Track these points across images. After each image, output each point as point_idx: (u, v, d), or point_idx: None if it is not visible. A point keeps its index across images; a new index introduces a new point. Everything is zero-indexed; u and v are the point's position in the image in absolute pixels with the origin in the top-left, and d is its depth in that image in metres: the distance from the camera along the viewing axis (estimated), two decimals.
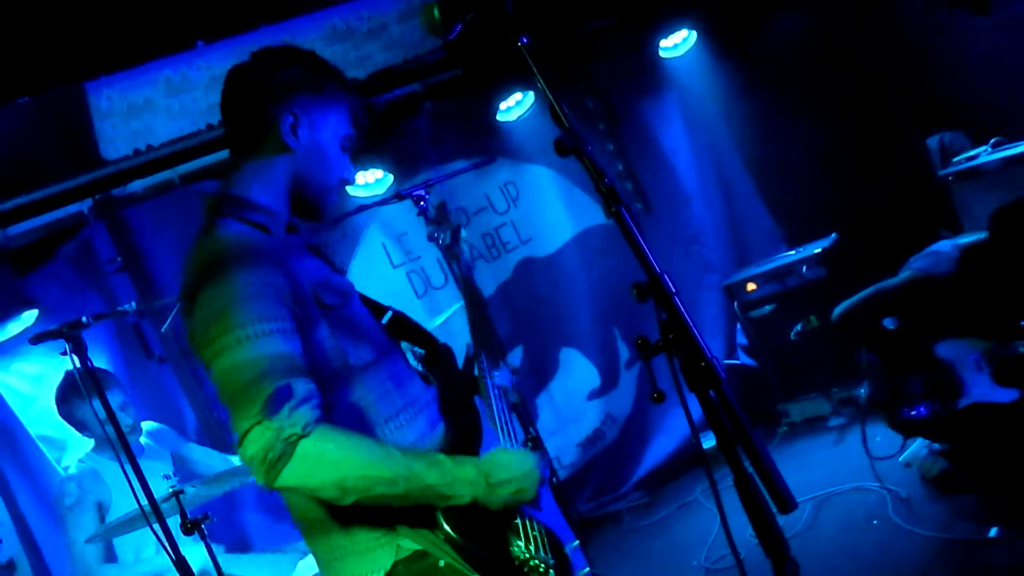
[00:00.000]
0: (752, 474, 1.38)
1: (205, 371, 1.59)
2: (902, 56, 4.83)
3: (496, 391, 2.10)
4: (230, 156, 1.84)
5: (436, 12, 1.54)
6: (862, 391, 4.60)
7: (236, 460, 3.72)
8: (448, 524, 1.61)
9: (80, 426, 3.46)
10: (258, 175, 1.78)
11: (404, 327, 2.05)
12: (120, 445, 2.55)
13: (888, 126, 4.93)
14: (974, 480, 3.53)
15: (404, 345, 2.02)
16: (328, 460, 1.50)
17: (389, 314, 2.03)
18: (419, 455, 1.64)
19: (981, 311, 3.42)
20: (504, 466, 1.70)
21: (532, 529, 1.77)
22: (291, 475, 1.49)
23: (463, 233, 2.72)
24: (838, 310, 3.60)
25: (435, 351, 2.04)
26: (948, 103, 4.70)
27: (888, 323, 3.67)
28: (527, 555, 1.69)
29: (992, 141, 4.28)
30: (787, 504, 1.34)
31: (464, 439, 1.82)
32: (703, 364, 1.36)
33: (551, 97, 1.46)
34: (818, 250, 4.84)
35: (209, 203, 1.75)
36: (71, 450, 3.96)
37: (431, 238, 2.75)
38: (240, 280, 1.55)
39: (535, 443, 2.11)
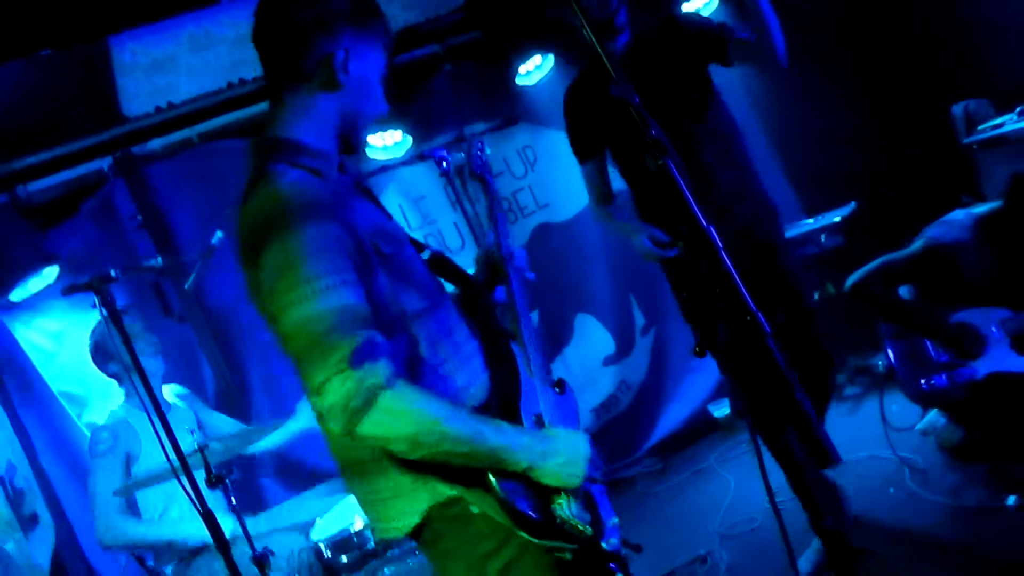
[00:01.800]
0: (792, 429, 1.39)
1: (270, 324, 1.62)
2: (927, 22, 4.75)
3: (528, 333, 2.10)
4: (271, 95, 1.78)
5: None
6: (879, 361, 4.62)
7: (250, 427, 3.76)
8: (498, 485, 1.65)
9: (110, 360, 3.48)
10: (306, 114, 1.74)
11: (442, 266, 2.06)
12: (142, 380, 2.59)
13: (911, 93, 4.86)
14: (993, 450, 3.53)
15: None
16: (405, 414, 1.54)
17: (427, 252, 2.02)
18: (484, 418, 1.68)
19: (999, 280, 3.41)
20: (557, 439, 1.75)
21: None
22: (370, 425, 1.52)
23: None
24: (851, 279, 3.60)
25: (472, 292, 2.05)
26: (974, 69, 4.63)
27: (904, 292, 3.66)
28: (568, 513, 1.72)
29: (1018, 109, 4.23)
30: (829, 458, 1.34)
31: (506, 388, 1.84)
32: (749, 318, 1.36)
33: (599, 48, 1.45)
34: (837, 219, 4.83)
35: (258, 147, 1.72)
36: (92, 407, 4.00)
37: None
38: (304, 234, 1.56)
39: (560, 386, 2.11)
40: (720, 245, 1.38)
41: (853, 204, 4.94)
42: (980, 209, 3.48)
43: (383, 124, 4.48)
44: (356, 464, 1.76)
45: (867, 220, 4.84)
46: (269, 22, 1.73)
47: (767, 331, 1.34)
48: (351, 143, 1.82)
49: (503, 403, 1.80)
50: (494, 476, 1.64)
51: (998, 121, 4.30)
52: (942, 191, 4.50)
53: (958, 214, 3.51)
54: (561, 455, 1.72)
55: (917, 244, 3.51)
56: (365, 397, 1.50)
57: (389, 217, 1.88)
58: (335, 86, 1.72)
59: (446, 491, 1.69)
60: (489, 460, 1.63)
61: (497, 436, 1.64)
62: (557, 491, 1.74)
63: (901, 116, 4.90)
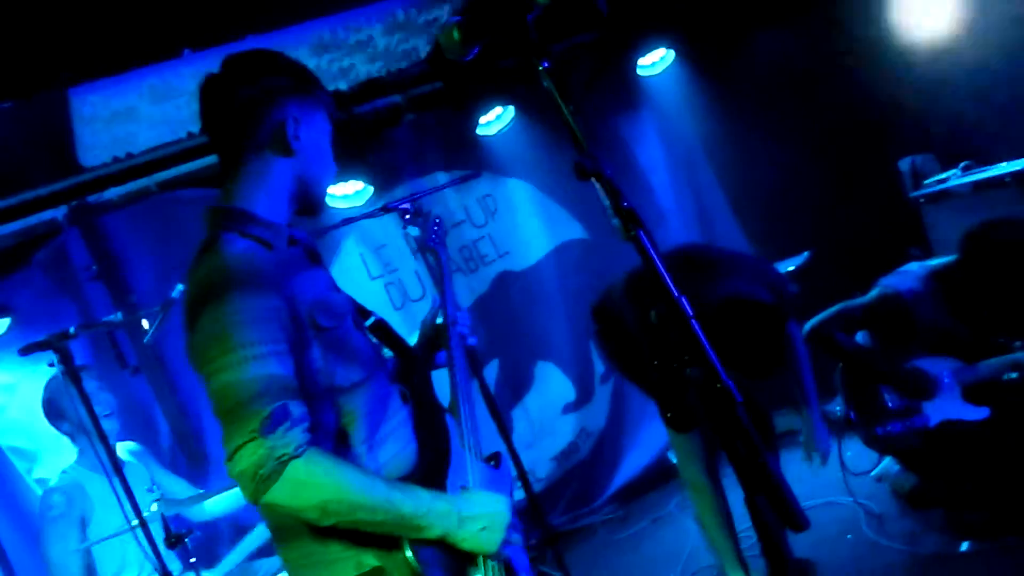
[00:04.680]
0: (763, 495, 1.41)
1: (203, 385, 1.63)
2: (876, 79, 4.94)
3: (466, 407, 2.11)
4: (222, 167, 1.83)
5: (456, 34, 1.55)
6: (837, 407, 4.70)
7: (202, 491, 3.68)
8: (411, 552, 1.66)
9: (62, 418, 3.40)
10: (260, 183, 1.78)
11: (385, 334, 2.09)
12: (101, 441, 2.53)
13: (860, 147, 5.03)
14: (945, 497, 3.61)
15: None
16: (315, 483, 1.56)
17: (372, 319, 2.06)
18: (399, 485, 1.69)
19: (950, 331, 3.51)
20: (476, 504, 1.77)
21: (490, 561, 1.80)
22: (278, 493, 1.54)
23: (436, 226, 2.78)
24: (809, 325, 3.67)
25: (411, 363, 2.07)
26: (921, 126, 4.81)
27: (860, 338, 3.75)
28: None
29: (962, 165, 4.40)
30: (799, 524, 1.37)
31: (434, 459, 1.86)
32: (719, 386, 1.39)
33: (571, 120, 1.49)
34: (791, 268, 4.94)
35: (212, 216, 1.75)
36: (43, 462, 3.88)
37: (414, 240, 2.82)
38: (241, 303, 1.59)
39: (496, 460, 2.12)
40: (691, 313, 1.41)
41: (806, 254, 5.06)
42: (934, 262, 3.59)
43: (343, 175, 4.50)
44: (285, 528, 1.76)
45: (820, 269, 4.96)
46: (217, 102, 1.79)
47: (738, 400, 1.37)
48: (309, 205, 1.88)
49: (429, 472, 1.82)
50: (410, 545, 1.66)
51: (943, 176, 4.46)
52: (891, 242, 4.65)
53: (913, 266, 3.62)
54: (478, 521, 1.74)
55: (874, 292, 3.61)
56: (273, 466, 1.53)
57: (336, 289, 1.89)
58: (289, 152, 1.79)
59: (370, 561, 1.69)
60: (403, 528, 1.65)
61: (411, 504, 1.65)
62: (474, 559, 1.76)
63: (851, 171, 5.07)
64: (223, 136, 1.81)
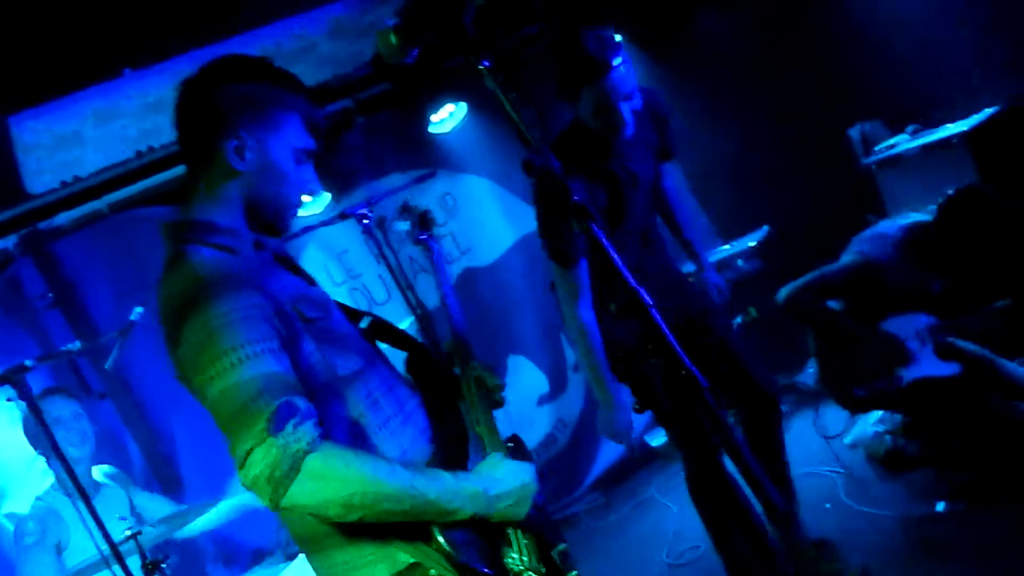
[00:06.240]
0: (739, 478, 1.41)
1: (199, 400, 1.56)
2: (822, 50, 4.98)
3: (478, 393, 2.09)
4: (186, 177, 1.79)
5: (393, 38, 1.53)
6: (804, 379, 4.75)
7: (184, 507, 3.63)
8: (443, 537, 1.61)
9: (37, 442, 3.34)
10: (214, 199, 1.73)
11: (384, 330, 2.03)
12: (77, 492, 2.48)
13: (812, 119, 5.07)
14: (922, 455, 3.65)
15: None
16: (336, 476, 1.48)
17: (367, 319, 2.00)
18: (422, 470, 1.64)
19: (924, 289, 3.53)
20: (502, 479, 1.72)
21: (522, 538, 1.78)
22: (299, 493, 1.46)
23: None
24: (783, 293, 3.62)
25: (416, 354, 2.03)
26: (867, 93, 4.86)
27: (833, 304, 3.75)
28: (520, 566, 1.70)
29: (909, 129, 4.45)
30: (775, 509, 1.37)
31: (452, 445, 1.82)
32: (683, 373, 1.38)
33: (516, 118, 1.47)
34: (752, 243, 4.98)
35: (170, 230, 1.70)
36: (12, 497, 3.81)
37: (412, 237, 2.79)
38: (221, 307, 1.53)
39: (516, 442, 2.11)
40: (651, 303, 1.41)
41: (766, 228, 5.10)
42: (907, 220, 3.58)
43: None
44: (312, 538, 1.70)
45: (781, 243, 5.00)
46: (176, 108, 1.75)
47: (704, 385, 1.37)
48: (270, 225, 1.79)
49: (450, 454, 1.78)
50: (440, 530, 1.60)
51: (892, 141, 4.51)
52: (849, 210, 4.69)
53: (887, 227, 3.61)
54: (508, 498, 1.70)
55: (846, 258, 3.60)
56: (290, 464, 1.44)
57: (313, 283, 1.84)
58: (233, 172, 1.72)
59: (405, 559, 1.64)
60: (432, 514, 1.59)
61: (436, 488, 1.59)
62: (506, 536, 1.74)
63: (805, 143, 5.11)
64: (182, 147, 1.77)
